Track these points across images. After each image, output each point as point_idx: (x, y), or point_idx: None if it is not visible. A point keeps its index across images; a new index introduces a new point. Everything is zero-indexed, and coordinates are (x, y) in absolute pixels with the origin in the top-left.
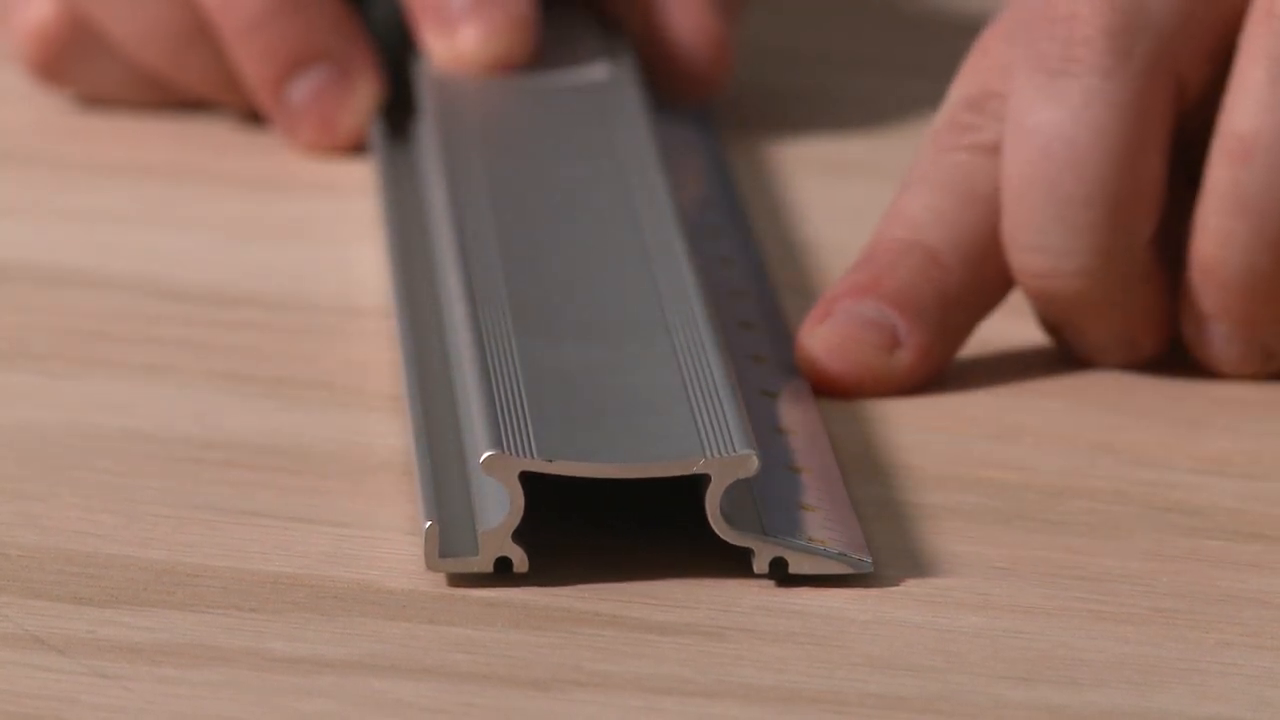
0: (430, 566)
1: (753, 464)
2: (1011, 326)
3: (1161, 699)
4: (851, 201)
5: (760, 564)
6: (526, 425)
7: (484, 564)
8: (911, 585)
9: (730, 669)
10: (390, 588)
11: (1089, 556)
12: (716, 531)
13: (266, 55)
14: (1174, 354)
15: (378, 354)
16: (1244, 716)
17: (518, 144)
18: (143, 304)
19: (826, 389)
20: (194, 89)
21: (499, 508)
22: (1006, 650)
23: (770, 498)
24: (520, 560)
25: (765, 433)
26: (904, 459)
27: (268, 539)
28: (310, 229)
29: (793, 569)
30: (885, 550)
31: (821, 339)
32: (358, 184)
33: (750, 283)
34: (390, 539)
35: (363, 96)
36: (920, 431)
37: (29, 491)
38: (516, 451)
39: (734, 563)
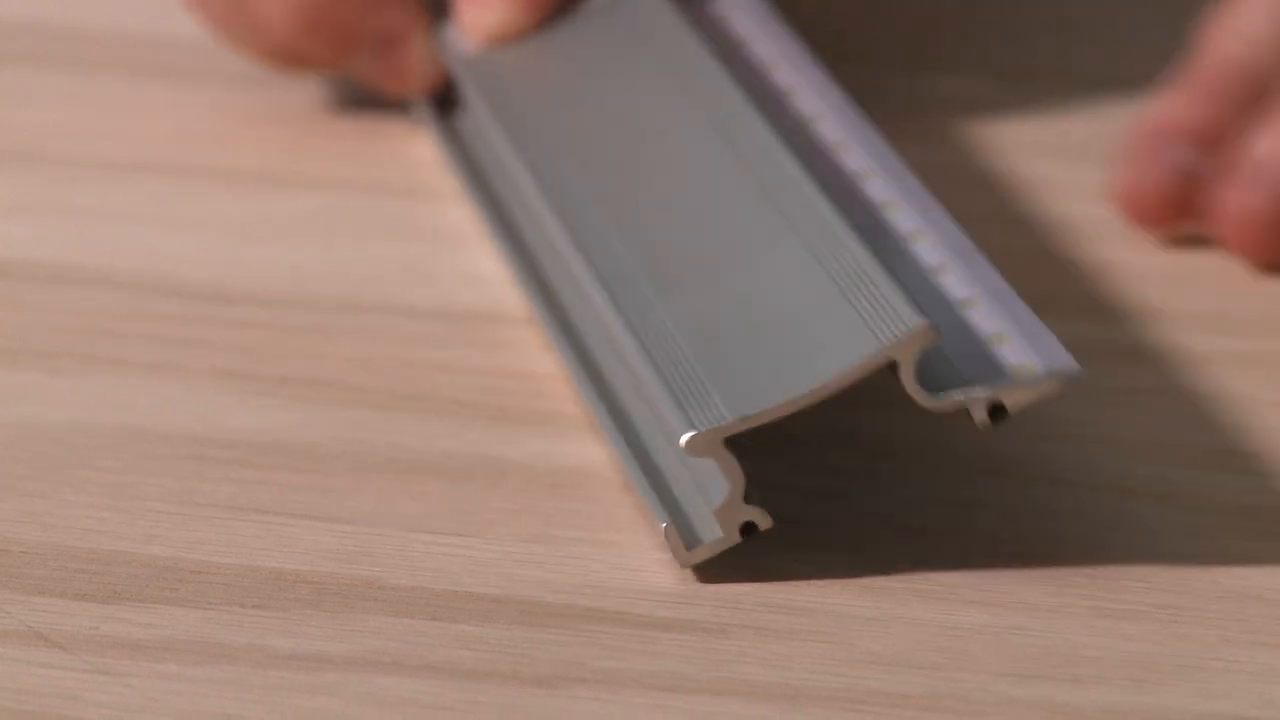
0: (683, 563)
1: (931, 333)
2: None
3: (1164, 696)
4: None
5: (979, 414)
6: (708, 392)
7: (731, 536)
8: (915, 582)
9: (734, 666)
10: (393, 584)
11: (1091, 554)
12: (926, 406)
13: (321, 45)
14: (1174, 349)
15: (380, 351)
16: (1246, 713)
17: (571, 94)
18: (146, 302)
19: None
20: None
21: (714, 480)
22: (1010, 647)
23: (957, 346)
24: (762, 518)
25: (920, 283)
26: (904, 457)
27: (270, 536)
28: (312, 227)
29: (1012, 407)
30: (887, 549)
31: (1132, 179)
32: (360, 182)
33: (834, 125)
34: (393, 536)
35: (419, 50)
36: (923, 430)
37: (31, 489)
38: (711, 422)
39: (736, 563)
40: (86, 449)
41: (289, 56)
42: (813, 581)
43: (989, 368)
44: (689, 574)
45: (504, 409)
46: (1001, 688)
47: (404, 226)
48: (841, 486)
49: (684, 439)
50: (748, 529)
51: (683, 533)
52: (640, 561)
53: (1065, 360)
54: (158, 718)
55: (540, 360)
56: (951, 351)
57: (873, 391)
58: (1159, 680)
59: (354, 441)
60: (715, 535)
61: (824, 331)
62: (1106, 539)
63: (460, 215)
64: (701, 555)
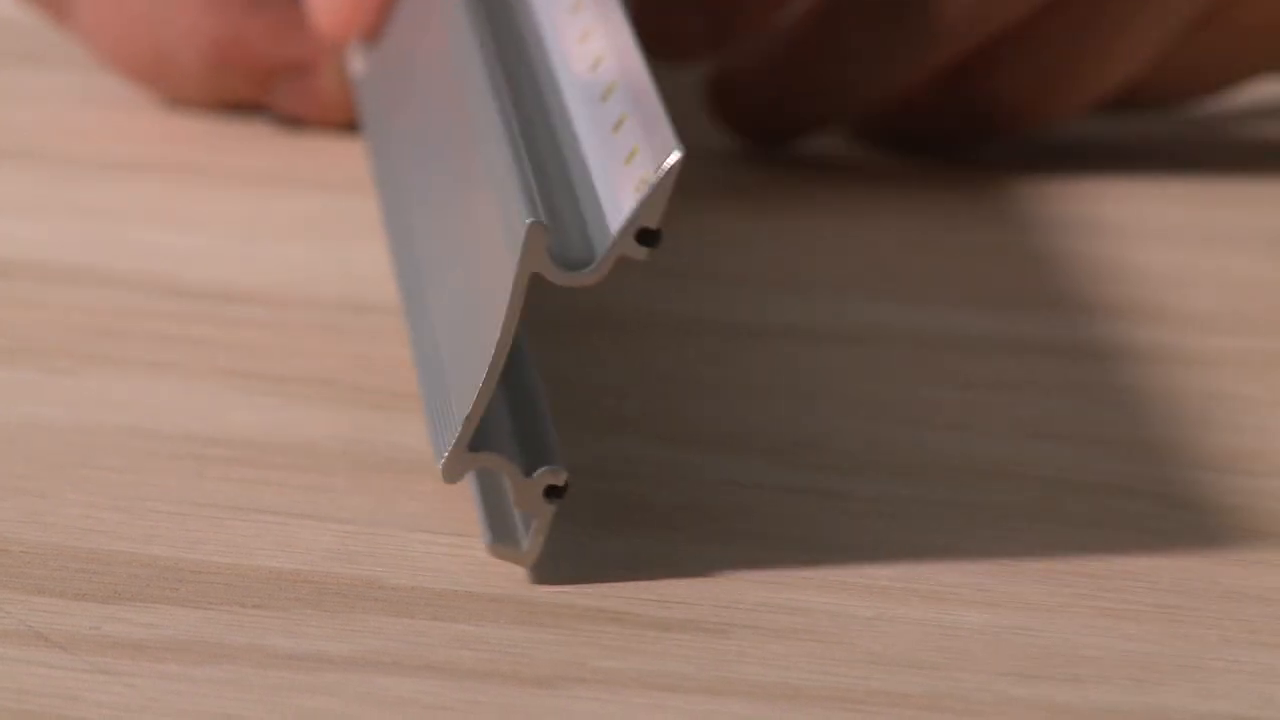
0: (525, 563)
1: (546, 232)
2: (1013, 322)
3: (1164, 696)
4: (849, 199)
5: (635, 255)
6: (449, 404)
7: (542, 513)
8: (914, 582)
9: (734, 666)
10: (393, 584)
11: (1091, 553)
12: (587, 285)
13: (236, 80)
14: (1174, 348)
15: (381, 350)
16: (1246, 713)
17: (406, 88)
18: (147, 301)
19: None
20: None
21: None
22: (1009, 647)
23: (600, 188)
24: (554, 475)
25: (592, 127)
26: (905, 456)
27: (270, 535)
28: (314, 226)
29: (659, 225)
30: (887, 546)
31: None
32: (359, 182)
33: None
34: (393, 535)
35: (331, 77)
36: (922, 429)
37: (32, 488)
38: (447, 446)
39: (735, 563)
40: (86, 449)
41: (209, 95)
42: (812, 581)
43: (625, 201)
44: (689, 574)
45: None
46: (1001, 688)
47: None
48: (840, 486)
49: (442, 469)
50: (552, 492)
51: (509, 536)
52: None
53: (672, 154)
54: (158, 718)
55: None
56: (598, 198)
57: (871, 391)
58: (1159, 680)
59: (354, 441)
60: (527, 523)
61: (486, 281)
62: (1106, 539)
63: None
64: (532, 544)
